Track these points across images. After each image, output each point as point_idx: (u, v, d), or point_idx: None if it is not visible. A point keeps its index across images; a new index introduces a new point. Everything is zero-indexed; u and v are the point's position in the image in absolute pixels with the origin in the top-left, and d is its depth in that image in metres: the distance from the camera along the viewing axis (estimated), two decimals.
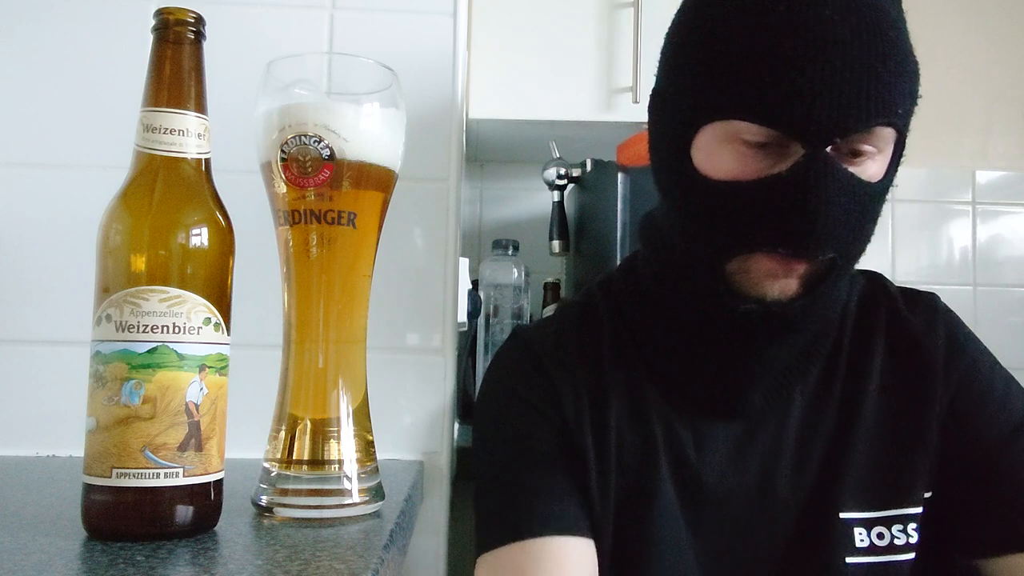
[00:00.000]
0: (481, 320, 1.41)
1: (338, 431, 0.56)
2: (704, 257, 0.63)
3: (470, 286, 1.03)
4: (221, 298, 0.49)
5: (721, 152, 0.60)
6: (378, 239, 0.60)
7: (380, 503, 0.57)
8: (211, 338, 0.48)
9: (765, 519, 0.65)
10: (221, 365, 0.49)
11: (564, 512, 0.62)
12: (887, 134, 0.60)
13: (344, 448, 0.56)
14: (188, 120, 0.49)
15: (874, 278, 0.76)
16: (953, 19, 2.04)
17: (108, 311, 0.46)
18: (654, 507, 0.63)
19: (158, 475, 0.45)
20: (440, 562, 0.81)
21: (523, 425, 0.66)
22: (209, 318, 0.48)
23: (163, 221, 0.48)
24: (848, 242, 0.60)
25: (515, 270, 1.46)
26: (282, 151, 0.55)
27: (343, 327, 0.58)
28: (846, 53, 0.57)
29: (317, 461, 0.55)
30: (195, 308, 0.47)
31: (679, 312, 0.68)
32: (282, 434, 0.56)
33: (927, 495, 0.66)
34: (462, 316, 0.87)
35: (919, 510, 0.65)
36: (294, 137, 0.54)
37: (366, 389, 0.59)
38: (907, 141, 0.63)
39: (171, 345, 0.46)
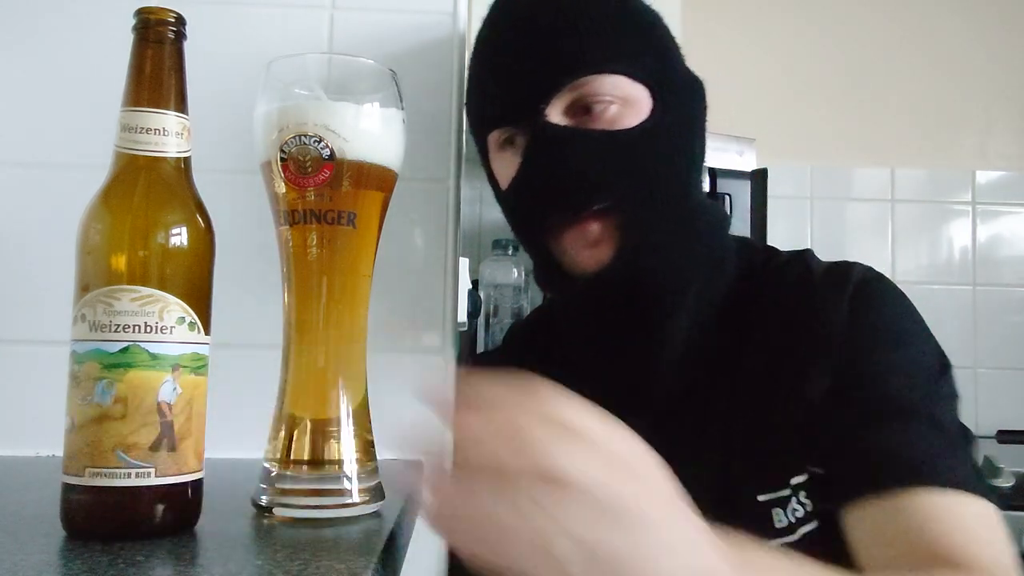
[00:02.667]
0: (481, 320, 1.41)
1: (338, 431, 0.56)
2: (534, 248, 0.71)
3: (470, 286, 1.03)
4: (200, 298, 0.49)
5: (499, 163, 0.70)
6: (378, 239, 0.60)
7: (380, 503, 0.57)
8: (185, 337, 0.47)
9: None
10: (197, 365, 0.48)
11: None
12: (616, 82, 0.64)
13: (344, 448, 0.56)
14: (168, 119, 0.49)
15: (754, 251, 0.74)
16: (952, 19, 2.04)
17: (83, 311, 0.46)
18: None
19: (129, 475, 0.45)
20: (440, 562, 0.81)
21: None
22: (183, 317, 0.47)
23: (139, 221, 0.48)
24: (614, 189, 0.64)
25: (515, 270, 1.46)
26: (282, 151, 0.55)
27: (343, 327, 0.58)
28: (521, 33, 0.65)
29: (317, 461, 0.55)
30: (168, 307, 0.47)
31: (567, 314, 0.74)
32: (282, 434, 0.56)
33: (818, 470, 0.63)
34: (462, 316, 0.87)
35: (802, 478, 0.63)
36: (294, 137, 0.54)
37: (366, 389, 0.59)
38: (686, 80, 0.70)
39: (143, 344, 0.46)
